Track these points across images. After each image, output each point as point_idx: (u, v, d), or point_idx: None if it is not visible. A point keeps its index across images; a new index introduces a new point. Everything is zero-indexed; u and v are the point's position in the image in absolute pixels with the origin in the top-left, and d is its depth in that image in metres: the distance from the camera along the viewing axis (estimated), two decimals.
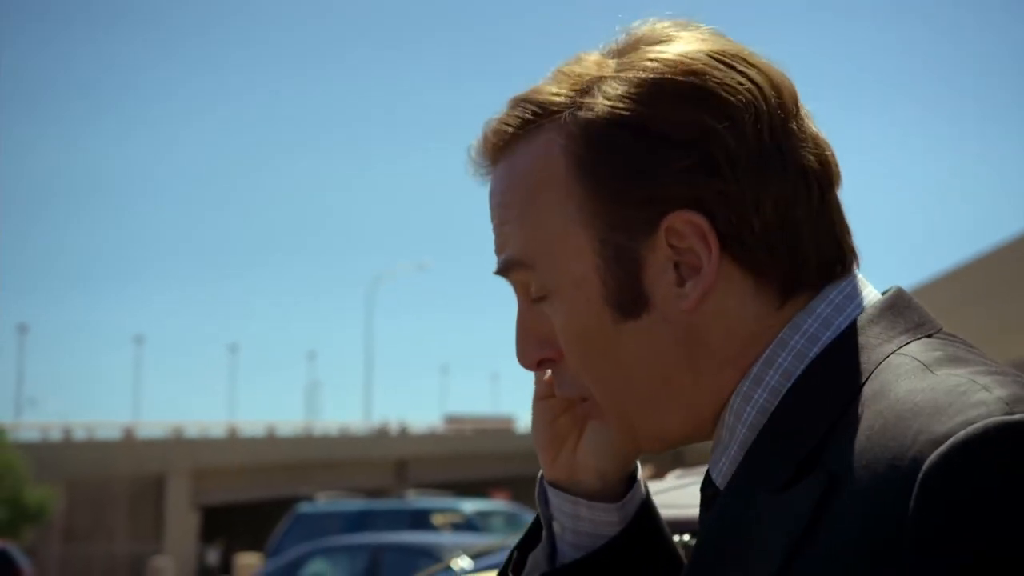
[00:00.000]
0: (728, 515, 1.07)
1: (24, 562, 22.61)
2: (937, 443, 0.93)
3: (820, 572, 0.96)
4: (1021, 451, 0.92)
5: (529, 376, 1.24)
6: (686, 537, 1.84)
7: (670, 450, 1.19)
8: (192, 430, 48.76)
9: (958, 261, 24.62)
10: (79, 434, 46.57)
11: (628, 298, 1.11)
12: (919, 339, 1.08)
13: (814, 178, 1.12)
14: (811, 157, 1.12)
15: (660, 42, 1.14)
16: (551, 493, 1.24)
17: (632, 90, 1.11)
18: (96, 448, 44.81)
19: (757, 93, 1.11)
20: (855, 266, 1.15)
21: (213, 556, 41.29)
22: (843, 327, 1.10)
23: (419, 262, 61.48)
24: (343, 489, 37.84)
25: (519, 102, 1.16)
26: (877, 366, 1.05)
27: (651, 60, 1.12)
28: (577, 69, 1.15)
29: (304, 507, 19.54)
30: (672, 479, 2.45)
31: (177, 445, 46.23)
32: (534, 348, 1.17)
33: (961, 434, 0.93)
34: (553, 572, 1.22)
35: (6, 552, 22.30)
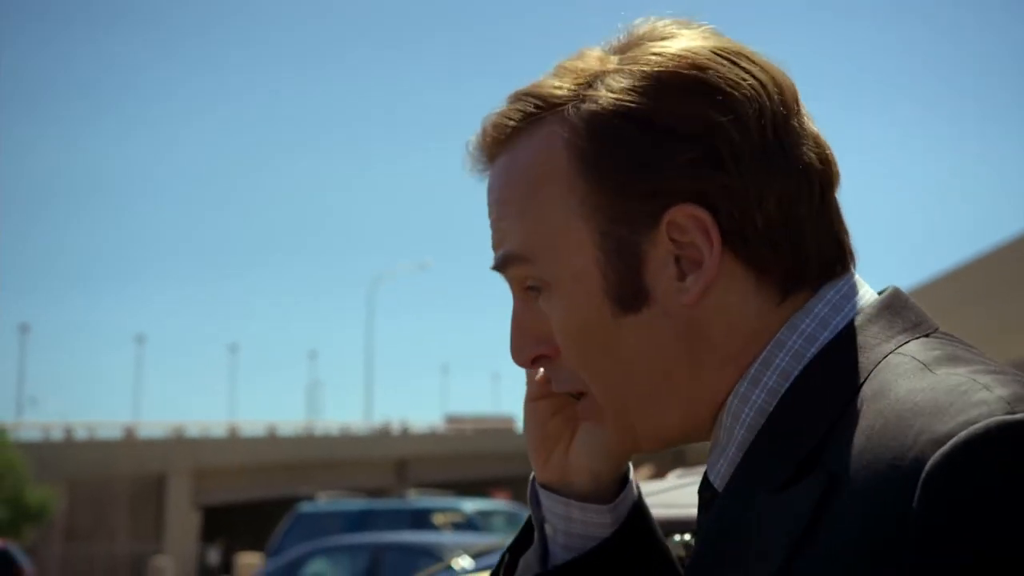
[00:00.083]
0: (727, 516, 1.06)
1: (25, 562, 22.60)
2: (939, 443, 0.93)
3: (820, 572, 0.96)
4: (1023, 450, 0.92)
5: None
6: (687, 536, 1.84)
7: (667, 449, 1.18)
8: (193, 430, 48.77)
9: (958, 261, 24.64)
10: (80, 434, 46.58)
11: (628, 292, 1.10)
12: (917, 338, 1.07)
13: (816, 176, 1.11)
14: (812, 155, 1.11)
15: (662, 39, 1.13)
16: (543, 495, 1.23)
17: (637, 83, 1.10)
18: (97, 448, 44.82)
19: (760, 89, 1.10)
20: (852, 266, 1.14)
21: (214, 556, 41.30)
22: (841, 327, 1.09)
23: (419, 262, 61.57)
24: (344, 489, 37.87)
25: (520, 96, 1.15)
26: (876, 366, 1.05)
27: (655, 54, 1.11)
28: (579, 64, 1.15)
29: (305, 507, 19.53)
30: (673, 479, 2.45)
31: (178, 445, 46.23)
32: (529, 345, 1.16)
33: (963, 434, 0.92)
34: (545, 574, 1.21)
35: (7, 552, 22.29)
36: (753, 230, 1.09)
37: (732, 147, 1.08)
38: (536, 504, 1.24)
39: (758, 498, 1.03)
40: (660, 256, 1.10)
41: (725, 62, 1.11)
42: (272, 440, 49.48)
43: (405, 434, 55.87)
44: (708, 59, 1.11)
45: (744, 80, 1.10)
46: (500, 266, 1.16)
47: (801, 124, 1.12)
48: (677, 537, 1.85)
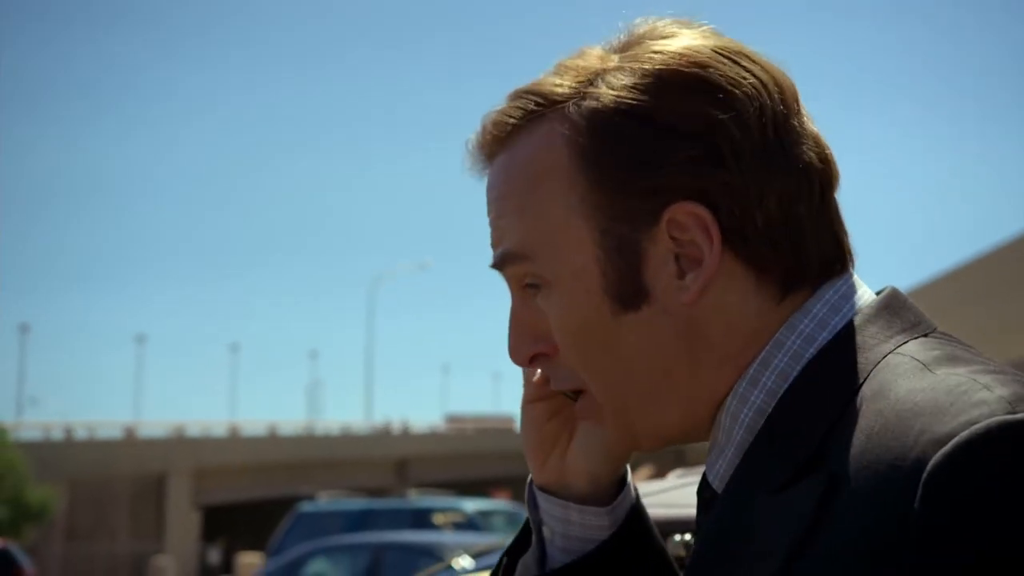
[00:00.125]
0: (727, 517, 1.06)
1: (25, 561, 22.62)
2: (940, 443, 0.93)
3: (821, 572, 0.96)
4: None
5: None
6: (687, 536, 1.84)
7: (666, 448, 1.18)
8: (193, 429, 48.79)
9: (958, 261, 24.64)
10: (80, 433, 46.59)
11: (628, 290, 1.10)
12: (916, 338, 1.07)
13: (816, 176, 1.11)
14: (812, 155, 1.11)
15: (663, 37, 1.13)
16: (540, 498, 1.23)
17: (638, 80, 1.10)
18: (97, 447, 44.83)
19: (761, 88, 1.10)
20: (851, 266, 1.14)
21: (214, 555, 41.34)
22: (839, 327, 1.09)
23: (420, 262, 61.59)
24: (344, 488, 37.86)
25: (521, 94, 1.15)
26: (875, 366, 1.04)
27: (656, 52, 1.11)
28: (580, 62, 1.15)
29: (305, 506, 19.54)
30: (673, 479, 2.45)
31: (178, 444, 46.25)
32: (528, 343, 1.16)
33: (964, 434, 0.92)
34: None
35: (7, 551, 22.30)
36: (753, 229, 1.09)
37: (733, 145, 1.08)
38: (534, 507, 1.23)
39: (758, 499, 1.03)
40: (660, 254, 1.09)
41: (726, 61, 1.11)
42: (272, 440, 49.50)
43: (405, 434, 55.89)
44: (709, 57, 1.11)
45: (745, 79, 1.10)
46: (499, 264, 1.16)
47: (801, 124, 1.12)
48: (677, 537, 1.85)
